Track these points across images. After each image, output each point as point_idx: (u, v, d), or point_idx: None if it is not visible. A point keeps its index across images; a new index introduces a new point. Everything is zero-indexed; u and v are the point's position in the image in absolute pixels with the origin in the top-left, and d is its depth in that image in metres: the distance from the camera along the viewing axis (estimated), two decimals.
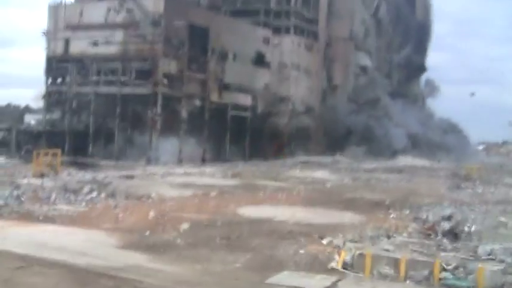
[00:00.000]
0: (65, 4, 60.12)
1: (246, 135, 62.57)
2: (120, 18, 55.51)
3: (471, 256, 16.37)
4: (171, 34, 54.78)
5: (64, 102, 58.55)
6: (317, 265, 15.96)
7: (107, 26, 55.71)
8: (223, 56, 60.75)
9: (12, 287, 13.38)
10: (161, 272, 15.05)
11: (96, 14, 56.50)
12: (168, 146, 51.33)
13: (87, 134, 55.56)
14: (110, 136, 54.24)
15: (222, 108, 60.44)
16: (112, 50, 55.70)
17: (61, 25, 58.89)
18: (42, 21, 62.79)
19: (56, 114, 59.66)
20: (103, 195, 27.73)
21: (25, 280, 13.83)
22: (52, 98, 60.08)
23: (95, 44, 56.03)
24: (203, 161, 54.03)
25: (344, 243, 17.75)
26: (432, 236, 19.37)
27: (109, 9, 55.71)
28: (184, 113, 55.22)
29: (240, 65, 63.00)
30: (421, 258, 15.84)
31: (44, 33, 60.86)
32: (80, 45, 57.20)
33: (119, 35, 55.43)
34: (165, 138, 51.78)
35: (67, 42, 58.62)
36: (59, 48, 59.08)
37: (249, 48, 64.94)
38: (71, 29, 57.84)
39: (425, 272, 14.96)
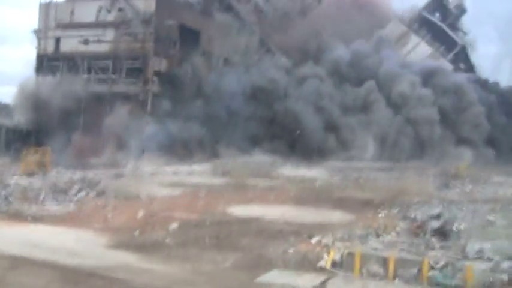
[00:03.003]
0: (56, 3, 59.97)
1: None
2: (111, 17, 55.66)
3: (460, 255, 16.46)
4: (162, 33, 54.94)
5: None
6: (306, 264, 16.03)
7: (98, 24, 55.76)
8: (213, 59, 60.73)
9: (3, 287, 13.38)
10: (151, 271, 15.07)
11: (87, 12, 56.49)
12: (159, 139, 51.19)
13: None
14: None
15: None
16: (103, 48, 55.82)
17: (52, 24, 58.82)
18: (34, 20, 62.53)
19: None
20: (92, 194, 27.68)
21: (16, 280, 13.84)
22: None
23: (86, 42, 56.11)
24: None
25: (333, 242, 17.82)
26: (421, 235, 19.45)
27: (100, 8, 55.82)
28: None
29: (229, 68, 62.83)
30: (409, 257, 15.92)
31: (34, 31, 60.71)
32: (70, 44, 57.18)
33: (109, 34, 55.55)
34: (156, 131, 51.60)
35: (58, 40, 58.55)
36: (50, 47, 59.02)
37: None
38: (61, 27, 57.74)
39: (414, 271, 15.05)
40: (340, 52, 68.55)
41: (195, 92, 56.48)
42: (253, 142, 55.93)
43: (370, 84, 65.49)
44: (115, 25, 55.24)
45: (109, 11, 55.47)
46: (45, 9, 59.99)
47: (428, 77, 69.54)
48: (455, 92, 69.51)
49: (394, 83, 66.48)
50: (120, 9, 55.15)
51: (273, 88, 61.06)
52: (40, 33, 59.97)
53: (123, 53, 54.88)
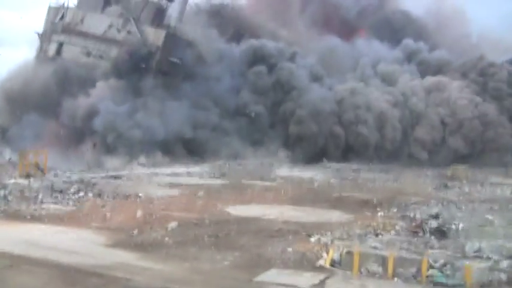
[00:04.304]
0: (67, 7, 59.27)
1: None
2: (119, 36, 55.41)
3: (458, 254, 16.47)
4: (163, 67, 54.98)
5: None
6: (305, 263, 16.03)
7: (104, 40, 55.42)
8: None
9: (1, 286, 13.36)
10: (150, 270, 15.06)
11: (96, 25, 56.14)
12: None
13: None
14: None
15: None
16: (103, 63, 55.51)
17: (58, 27, 58.23)
18: (32, 23, 62.08)
19: None
20: (90, 194, 27.67)
21: (14, 279, 13.82)
22: None
23: (88, 54, 55.82)
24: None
25: (332, 241, 17.83)
26: (420, 234, 19.47)
27: (111, 26, 55.60)
28: None
29: None
30: (408, 255, 15.91)
31: (41, 33, 60.23)
32: (72, 51, 56.67)
33: (113, 51, 55.25)
34: None
35: (60, 45, 57.97)
36: (51, 50, 58.43)
37: None
38: (67, 33, 57.17)
39: (413, 270, 15.04)
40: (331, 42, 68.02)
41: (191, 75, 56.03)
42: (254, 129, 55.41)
43: (363, 61, 65.13)
44: (120, 45, 55.01)
45: (119, 31, 55.36)
46: (54, 12, 59.58)
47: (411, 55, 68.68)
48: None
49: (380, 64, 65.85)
50: (129, 32, 55.00)
51: (275, 52, 60.62)
52: (44, 36, 59.49)
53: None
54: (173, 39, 56.24)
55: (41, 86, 52.94)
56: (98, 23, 56.27)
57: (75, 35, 56.54)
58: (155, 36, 55.30)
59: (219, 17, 66.88)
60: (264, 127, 56.88)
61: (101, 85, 51.50)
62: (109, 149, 47.35)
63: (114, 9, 57.66)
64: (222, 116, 55.23)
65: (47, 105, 51.34)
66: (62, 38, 57.14)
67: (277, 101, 58.47)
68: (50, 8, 59.83)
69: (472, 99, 61.15)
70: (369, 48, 68.06)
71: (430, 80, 63.36)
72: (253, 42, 61.39)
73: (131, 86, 52.18)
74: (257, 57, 59.86)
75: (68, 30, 56.80)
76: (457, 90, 61.76)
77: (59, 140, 48.14)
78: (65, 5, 59.27)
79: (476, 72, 64.71)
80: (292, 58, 61.66)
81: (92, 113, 48.46)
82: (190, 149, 51.25)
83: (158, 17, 57.60)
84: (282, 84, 58.78)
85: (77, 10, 57.84)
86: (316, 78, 60.64)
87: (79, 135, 49.50)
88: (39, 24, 59.92)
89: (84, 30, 56.35)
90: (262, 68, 58.73)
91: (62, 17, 57.91)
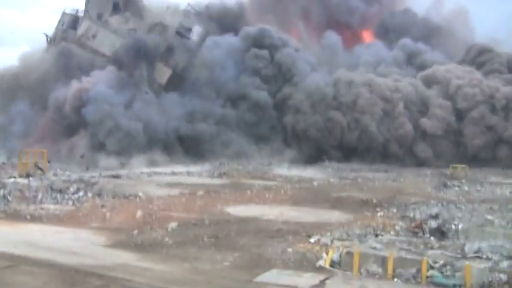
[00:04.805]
0: (82, 19, 58.82)
1: None
2: None
3: (458, 254, 16.45)
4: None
5: None
6: (305, 263, 16.01)
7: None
8: None
9: (1, 287, 13.35)
10: (150, 270, 15.04)
11: (107, 44, 55.68)
12: None
13: None
14: None
15: None
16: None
17: (68, 36, 57.85)
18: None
19: None
20: (90, 194, 27.67)
21: (14, 279, 13.80)
22: None
23: None
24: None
25: (332, 242, 17.83)
26: (419, 234, 19.45)
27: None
28: None
29: None
30: (408, 256, 15.89)
31: (47, 36, 60.08)
32: None
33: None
34: None
35: None
36: None
37: None
38: (76, 43, 56.81)
39: (413, 270, 15.03)
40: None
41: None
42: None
43: (364, 61, 64.73)
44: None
45: None
46: (67, 19, 59.30)
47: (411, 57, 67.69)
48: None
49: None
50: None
51: (278, 42, 60.11)
52: (53, 40, 59.25)
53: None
54: (177, 79, 55.84)
55: (39, 72, 52.66)
56: (109, 42, 55.79)
57: (84, 48, 56.29)
58: (160, 73, 55.06)
59: (222, 22, 66.77)
60: (270, 118, 56.12)
61: (96, 73, 51.09)
62: (102, 146, 46.71)
63: (124, 16, 57.48)
64: (225, 106, 54.83)
65: (40, 93, 51.03)
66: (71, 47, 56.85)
67: (278, 90, 58.11)
68: (63, 14, 59.62)
69: (470, 79, 58.78)
70: (370, 49, 67.79)
71: (423, 73, 62.66)
72: (253, 28, 60.84)
73: (129, 75, 51.84)
74: (256, 42, 59.32)
75: (78, 42, 56.51)
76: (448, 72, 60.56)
77: (50, 132, 47.74)
78: (80, 14, 59.19)
79: (468, 61, 63.96)
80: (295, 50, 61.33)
81: (83, 102, 48.07)
82: (190, 148, 50.97)
83: (167, 52, 57.09)
84: (284, 73, 58.38)
85: (92, 24, 57.38)
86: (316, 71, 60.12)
87: (71, 128, 49.04)
88: (38, 23, 59.84)
89: (95, 46, 56.04)
90: (264, 53, 58.15)
91: (75, 27, 57.77)
